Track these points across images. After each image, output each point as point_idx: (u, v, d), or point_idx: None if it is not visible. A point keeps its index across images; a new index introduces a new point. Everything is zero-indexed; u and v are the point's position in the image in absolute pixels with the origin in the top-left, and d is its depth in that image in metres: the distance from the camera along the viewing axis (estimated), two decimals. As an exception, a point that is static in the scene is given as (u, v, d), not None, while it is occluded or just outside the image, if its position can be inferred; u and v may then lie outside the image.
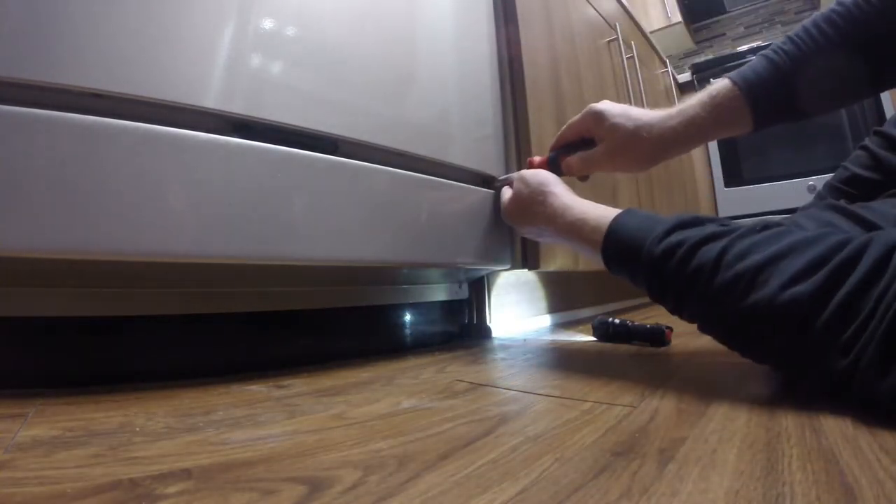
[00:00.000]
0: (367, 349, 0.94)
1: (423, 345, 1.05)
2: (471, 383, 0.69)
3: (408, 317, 1.05)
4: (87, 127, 0.57)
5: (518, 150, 1.16)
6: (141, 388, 0.66)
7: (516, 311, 1.30)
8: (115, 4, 0.61)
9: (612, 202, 1.52)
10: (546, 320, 1.42)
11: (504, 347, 1.03)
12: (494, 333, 1.20)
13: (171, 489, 0.34)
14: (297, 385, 0.68)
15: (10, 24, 0.55)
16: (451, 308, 1.17)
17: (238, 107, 0.69)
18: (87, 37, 0.59)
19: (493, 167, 1.06)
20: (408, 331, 1.05)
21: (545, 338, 1.16)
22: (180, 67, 0.65)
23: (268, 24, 0.73)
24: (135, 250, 0.59)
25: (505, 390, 0.65)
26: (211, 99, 0.66)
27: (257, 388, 0.66)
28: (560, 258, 1.19)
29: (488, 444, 0.43)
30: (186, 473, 0.37)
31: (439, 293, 1.12)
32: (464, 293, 1.19)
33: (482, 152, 1.05)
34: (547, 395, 0.61)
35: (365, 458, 0.40)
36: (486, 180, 1.05)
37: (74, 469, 0.38)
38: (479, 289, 1.22)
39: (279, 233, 0.70)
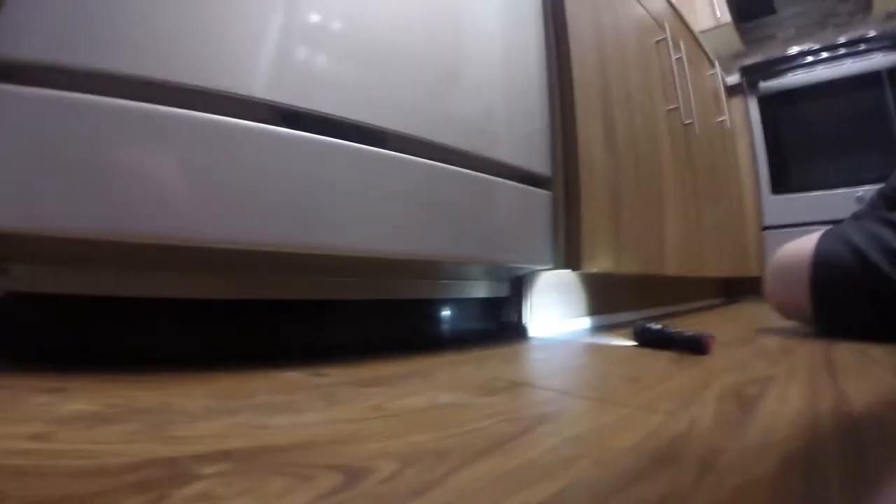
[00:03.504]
0: (405, 342, 0.94)
1: (461, 340, 1.04)
2: (509, 381, 0.68)
3: (448, 312, 1.05)
4: (140, 114, 0.59)
5: (565, 149, 1.16)
6: (182, 369, 0.67)
7: (556, 311, 1.28)
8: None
9: (658, 211, 1.50)
10: (585, 322, 1.40)
11: (543, 348, 1.02)
12: (533, 333, 1.19)
13: (209, 469, 0.34)
14: (336, 374, 0.69)
15: (64, 10, 0.57)
16: (490, 305, 1.16)
17: (287, 97, 0.70)
18: (141, 26, 0.60)
19: (538, 164, 1.06)
20: (447, 326, 1.05)
21: (584, 340, 1.14)
22: (231, 57, 0.66)
23: (317, 18, 0.74)
24: (181, 236, 0.61)
25: (543, 390, 0.64)
26: (260, 89, 0.67)
27: (297, 375, 0.67)
28: (602, 260, 1.18)
29: (526, 442, 0.42)
30: (225, 455, 0.37)
31: (480, 290, 1.12)
32: (504, 291, 1.18)
33: (528, 149, 1.04)
34: (585, 398, 0.60)
35: (403, 451, 0.39)
36: (531, 178, 1.04)
37: (114, 444, 0.39)
38: (519, 287, 1.21)
39: (325, 223, 0.71)
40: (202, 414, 0.48)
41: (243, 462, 0.36)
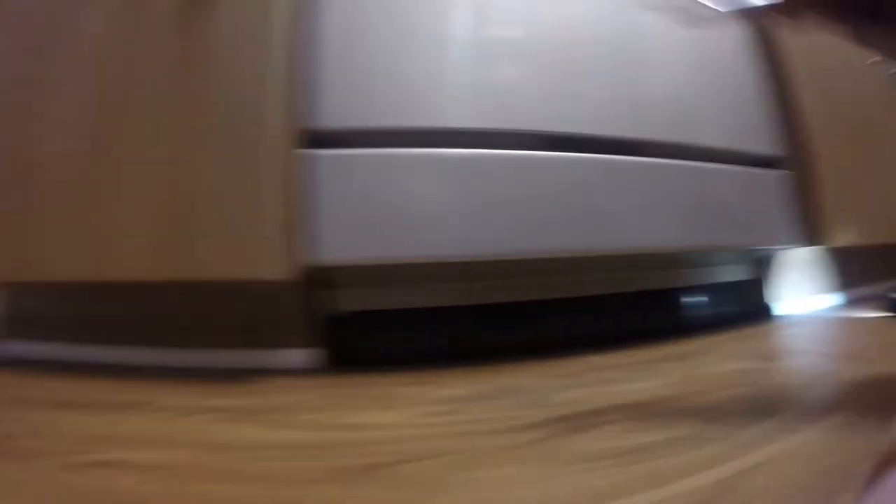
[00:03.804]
0: (659, 329, 1.03)
1: (714, 324, 1.09)
2: (779, 350, 0.78)
3: (698, 298, 1.13)
4: (448, 158, 0.82)
5: (790, 126, 1.18)
6: (499, 361, 0.83)
7: (801, 289, 1.31)
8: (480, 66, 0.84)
9: (892, 174, 1.45)
10: (833, 297, 1.39)
11: (796, 324, 1.07)
12: (782, 311, 1.22)
13: (607, 418, 0.49)
14: (632, 356, 0.82)
15: (365, 88, 0.82)
16: (738, 288, 1.22)
17: (557, 126, 0.88)
18: (427, 86, 0.84)
19: (767, 146, 1.12)
20: (699, 311, 1.13)
21: (834, 314, 1.18)
22: (514, 102, 0.86)
23: (576, 66, 0.92)
24: (496, 252, 0.81)
25: (815, 355, 0.74)
26: (537, 123, 0.87)
27: (599, 359, 0.81)
28: (842, 233, 1.18)
29: (822, 384, 0.56)
30: (604, 410, 0.52)
31: (727, 274, 1.18)
32: (750, 273, 1.23)
33: (758, 136, 1.11)
34: (854, 359, 0.69)
35: (736, 395, 0.54)
36: (762, 160, 1.10)
37: (508, 412, 0.54)
38: (764, 268, 1.25)
39: (605, 228, 0.87)
40: (559, 388, 0.64)
41: (626, 412, 0.51)
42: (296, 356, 0.90)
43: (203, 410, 0.62)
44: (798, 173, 1.16)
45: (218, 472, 0.42)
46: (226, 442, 0.50)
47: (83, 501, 0.36)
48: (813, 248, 1.18)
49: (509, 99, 0.87)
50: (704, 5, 1.12)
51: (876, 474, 0.32)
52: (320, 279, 0.88)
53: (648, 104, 0.97)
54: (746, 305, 1.22)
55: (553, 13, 0.95)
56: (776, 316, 1.20)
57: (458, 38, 0.88)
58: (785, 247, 1.14)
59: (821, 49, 1.33)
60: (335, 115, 0.81)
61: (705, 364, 0.73)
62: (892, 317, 1.04)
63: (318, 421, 0.56)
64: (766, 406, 0.50)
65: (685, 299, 1.12)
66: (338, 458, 0.44)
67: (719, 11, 1.14)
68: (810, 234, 1.14)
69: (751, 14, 0.98)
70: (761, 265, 1.26)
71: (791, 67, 1.21)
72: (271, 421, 0.57)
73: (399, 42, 0.85)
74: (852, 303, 1.37)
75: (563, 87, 0.91)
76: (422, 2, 0.88)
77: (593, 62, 0.95)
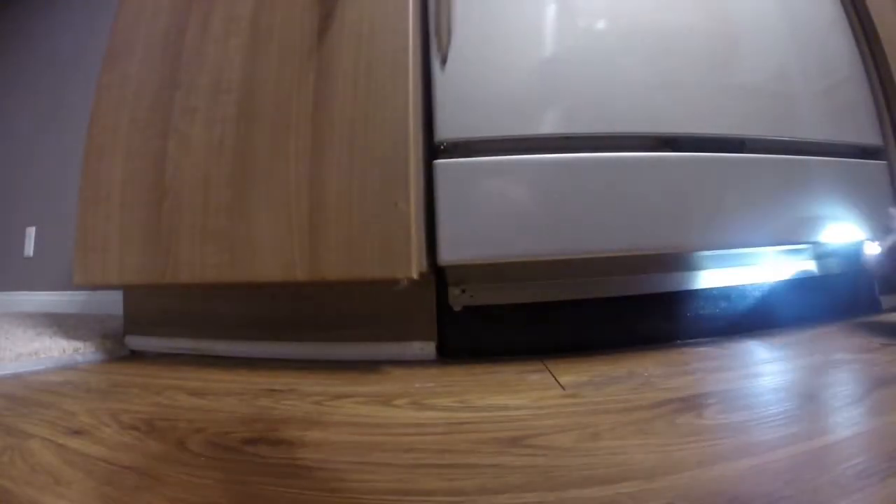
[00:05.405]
0: (768, 322, 1.05)
1: (822, 316, 1.10)
2: (881, 344, 0.82)
3: (800, 292, 1.13)
4: (558, 162, 0.90)
5: (892, 114, 1.15)
6: (605, 352, 0.90)
7: None
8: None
9: None
10: None
11: None
12: (888, 305, 1.21)
13: (710, 401, 0.58)
14: (736, 347, 0.88)
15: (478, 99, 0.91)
16: (845, 280, 1.20)
17: (665, 127, 0.94)
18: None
19: (868, 137, 1.11)
20: (801, 306, 1.11)
21: None
22: (627, 109, 0.94)
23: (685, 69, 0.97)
24: (616, 248, 0.89)
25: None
26: (650, 126, 0.94)
27: (710, 349, 0.87)
28: None
29: None
30: (709, 394, 0.60)
31: (826, 268, 1.17)
32: (856, 265, 1.16)
33: (856, 126, 1.11)
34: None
35: (831, 383, 0.61)
36: (864, 150, 1.10)
37: (626, 395, 0.63)
38: None
39: (708, 225, 0.92)
40: (667, 375, 0.72)
41: (729, 395, 0.60)
42: (418, 348, 0.98)
43: (347, 395, 0.71)
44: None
45: (376, 444, 0.51)
46: (378, 421, 0.59)
47: (255, 472, 0.45)
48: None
49: (611, 102, 0.94)
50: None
51: None
52: (440, 276, 0.97)
53: (747, 94, 1.01)
54: (854, 298, 1.22)
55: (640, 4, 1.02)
56: (882, 309, 1.20)
57: (556, 46, 0.96)
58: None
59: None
60: (451, 127, 0.91)
61: (806, 353, 0.79)
62: None
63: (456, 403, 0.65)
64: (858, 394, 0.57)
65: (792, 293, 1.13)
66: (481, 432, 0.53)
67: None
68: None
69: None
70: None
71: (888, 45, 1.18)
72: (414, 403, 0.66)
73: (502, 56, 0.94)
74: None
75: (662, 83, 0.96)
76: (517, 15, 0.97)
77: (687, 51, 1.00)
